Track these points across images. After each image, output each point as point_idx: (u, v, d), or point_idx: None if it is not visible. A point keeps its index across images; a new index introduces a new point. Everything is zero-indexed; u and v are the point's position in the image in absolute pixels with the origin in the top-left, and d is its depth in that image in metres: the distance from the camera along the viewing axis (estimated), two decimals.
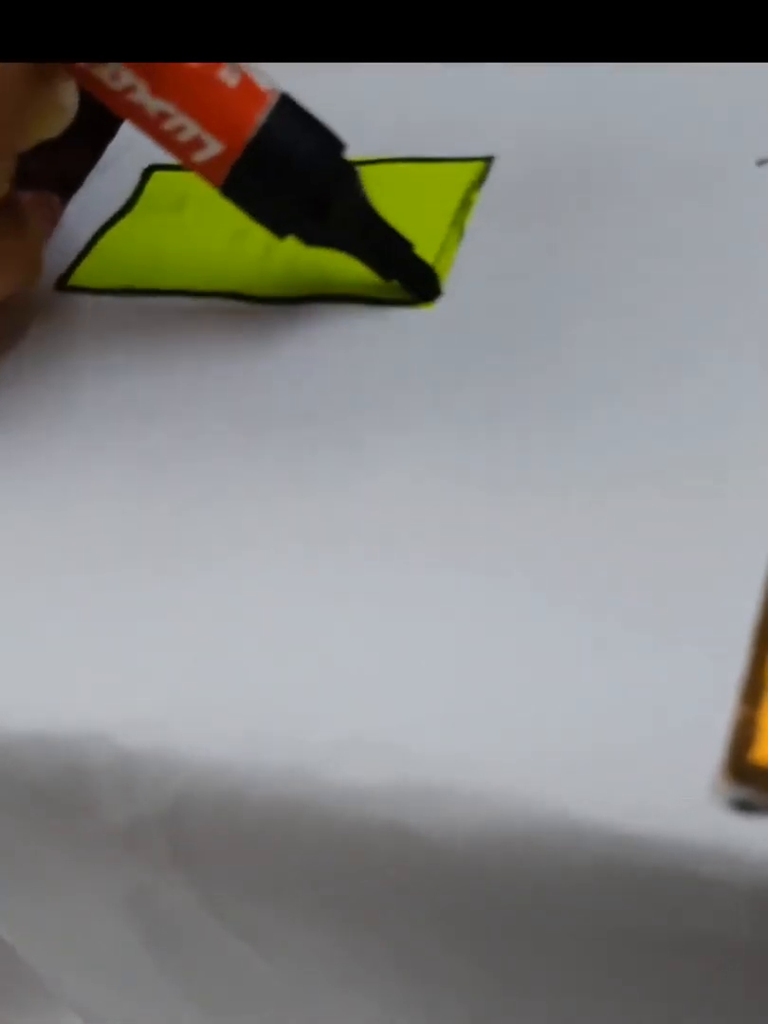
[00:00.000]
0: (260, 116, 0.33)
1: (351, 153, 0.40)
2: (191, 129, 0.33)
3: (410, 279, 0.35)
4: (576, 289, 0.35)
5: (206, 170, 0.34)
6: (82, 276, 0.39)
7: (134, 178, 0.42)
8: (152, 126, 0.34)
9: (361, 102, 0.39)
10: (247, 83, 0.33)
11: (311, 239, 0.35)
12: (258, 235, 0.38)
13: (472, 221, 0.37)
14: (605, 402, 0.32)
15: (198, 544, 0.31)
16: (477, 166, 0.39)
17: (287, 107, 0.34)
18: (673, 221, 0.36)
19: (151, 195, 0.41)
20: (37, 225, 0.36)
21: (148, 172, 0.42)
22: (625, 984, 0.28)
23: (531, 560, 0.28)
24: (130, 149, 0.43)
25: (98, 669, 0.29)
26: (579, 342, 0.34)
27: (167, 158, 0.42)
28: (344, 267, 0.36)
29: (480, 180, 0.38)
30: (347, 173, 0.35)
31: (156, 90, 0.33)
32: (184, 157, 0.34)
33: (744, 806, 0.24)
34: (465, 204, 0.37)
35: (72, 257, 0.40)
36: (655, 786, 0.25)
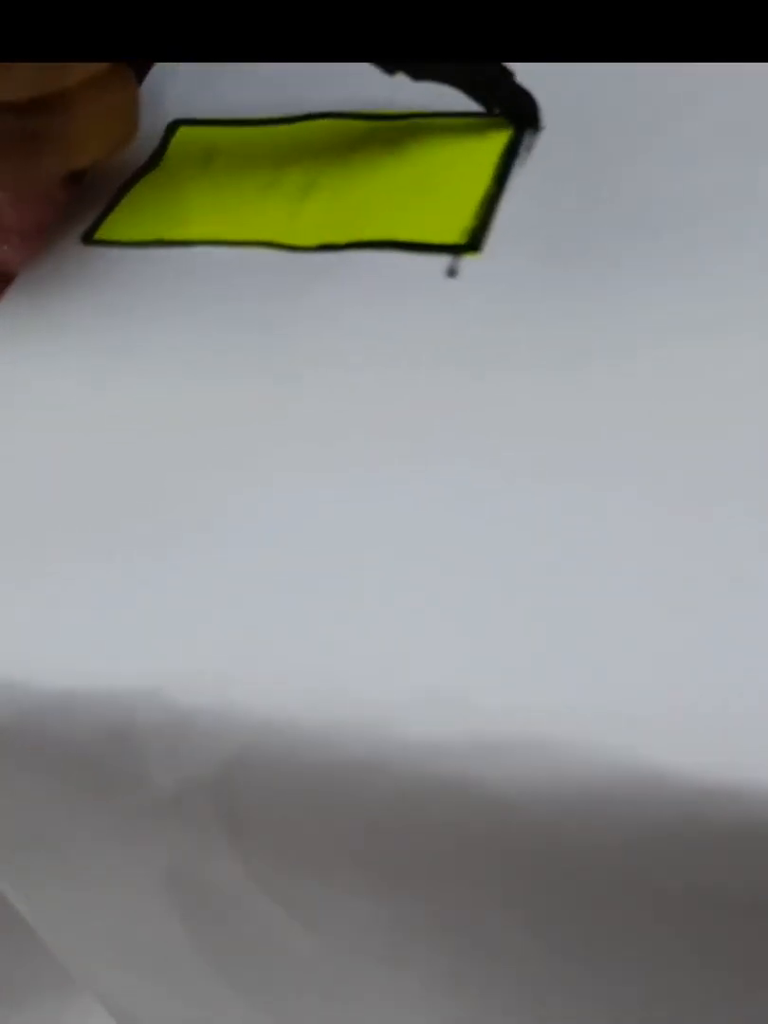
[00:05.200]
0: None
1: (390, 107, 0.39)
2: None
3: (512, 109, 0.36)
4: (621, 239, 0.34)
5: None
6: (109, 229, 0.38)
7: (158, 133, 0.41)
8: None
9: None
10: None
11: (419, 74, 0.35)
12: (290, 183, 0.38)
13: (515, 173, 0.36)
14: (653, 348, 0.31)
15: (253, 493, 0.29)
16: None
17: None
18: (719, 169, 0.35)
19: (177, 150, 0.40)
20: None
21: (173, 127, 0.41)
22: (701, 953, 0.27)
23: (604, 512, 0.27)
24: (154, 104, 0.42)
25: (149, 621, 0.28)
26: (624, 292, 0.32)
27: (193, 112, 0.42)
28: (382, 213, 0.35)
29: (521, 132, 0.37)
30: None
31: None
32: None
33: None
34: (508, 155, 0.36)
35: (98, 211, 0.38)
36: (740, 735, 0.24)
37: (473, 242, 0.34)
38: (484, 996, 0.31)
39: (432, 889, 0.28)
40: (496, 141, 0.37)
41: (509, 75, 0.36)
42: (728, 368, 0.30)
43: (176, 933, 0.35)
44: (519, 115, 0.37)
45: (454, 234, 0.34)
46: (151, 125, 0.41)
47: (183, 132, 0.41)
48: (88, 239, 0.38)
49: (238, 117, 0.40)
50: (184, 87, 0.42)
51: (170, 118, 0.41)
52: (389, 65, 0.35)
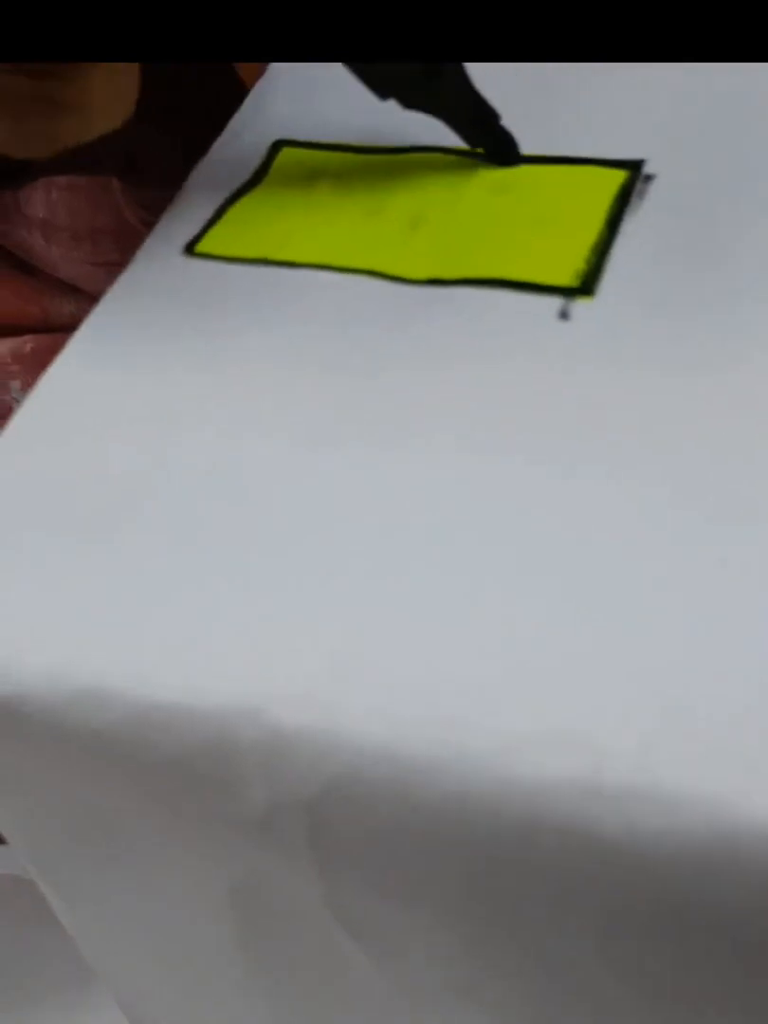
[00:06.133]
0: None
1: None
2: None
3: (494, 146, 0.38)
4: (735, 294, 0.34)
5: None
6: (211, 243, 0.38)
7: (260, 150, 0.41)
8: None
9: (506, 100, 0.38)
10: None
11: (410, 102, 0.37)
12: (396, 214, 0.38)
13: (626, 221, 0.36)
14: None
15: (362, 516, 0.29)
16: (625, 173, 0.37)
17: None
18: None
19: (281, 169, 0.40)
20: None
21: (276, 146, 0.41)
22: None
23: (745, 569, 0.27)
24: (256, 121, 0.42)
25: (253, 638, 0.27)
26: (736, 350, 0.32)
27: (295, 133, 0.42)
28: (493, 251, 0.35)
29: (632, 181, 0.37)
30: None
31: None
32: None
33: None
34: (620, 201, 0.36)
35: (200, 224, 0.38)
36: None
37: (586, 286, 0.34)
38: None
39: (525, 928, 0.27)
40: (607, 186, 0.37)
41: (496, 116, 0.38)
42: None
43: (225, 951, 0.34)
44: (499, 154, 0.38)
45: (567, 276, 0.34)
46: (254, 142, 0.42)
47: (287, 152, 0.41)
48: (190, 251, 0.37)
49: (341, 142, 0.41)
50: (287, 106, 0.43)
51: (273, 137, 0.41)
52: (382, 91, 0.36)
